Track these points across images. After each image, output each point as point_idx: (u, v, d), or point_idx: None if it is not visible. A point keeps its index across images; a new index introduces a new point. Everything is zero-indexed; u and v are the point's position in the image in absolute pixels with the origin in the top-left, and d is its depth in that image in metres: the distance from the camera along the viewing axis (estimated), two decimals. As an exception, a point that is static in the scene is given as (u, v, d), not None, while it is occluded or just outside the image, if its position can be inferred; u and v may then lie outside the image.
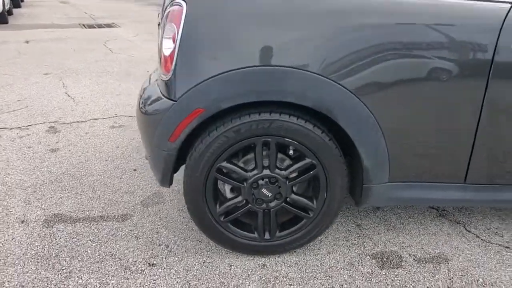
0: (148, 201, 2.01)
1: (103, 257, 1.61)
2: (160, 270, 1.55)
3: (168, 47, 1.37)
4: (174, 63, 1.34)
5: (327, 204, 1.51)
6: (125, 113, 3.24)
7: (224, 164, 1.43)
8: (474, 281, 1.51)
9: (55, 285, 1.46)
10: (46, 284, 1.46)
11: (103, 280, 1.49)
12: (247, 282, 1.49)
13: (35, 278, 1.49)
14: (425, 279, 1.51)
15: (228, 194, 1.57)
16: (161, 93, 1.43)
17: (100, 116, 3.16)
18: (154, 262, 1.59)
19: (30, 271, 1.52)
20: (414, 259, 1.62)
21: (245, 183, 1.47)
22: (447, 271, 1.56)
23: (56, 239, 1.71)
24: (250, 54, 1.30)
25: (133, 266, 1.56)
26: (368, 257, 1.63)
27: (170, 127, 1.39)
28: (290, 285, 1.48)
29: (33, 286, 1.45)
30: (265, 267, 1.57)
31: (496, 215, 1.93)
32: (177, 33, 1.33)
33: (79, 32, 7.35)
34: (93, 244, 1.68)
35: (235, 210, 1.53)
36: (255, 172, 1.46)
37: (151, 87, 1.56)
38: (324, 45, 1.29)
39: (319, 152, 1.41)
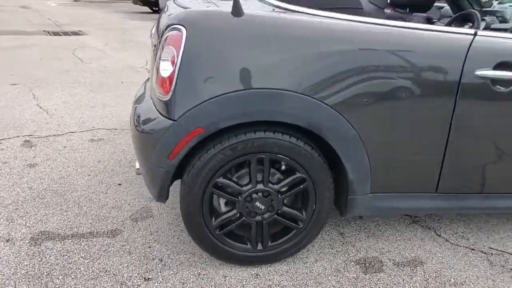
0: (137, 215, 2.03)
1: (97, 273, 1.62)
2: (156, 284, 1.58)
3: (166, 68, 1.43)
4: (174, 84, 1.41)
5: (316, 215, 1.62)
6: (103, 126, 3.21)
7: (221, 179, 1.51)
8: (447, 281, 1.67)
9: (51, 304, 1.46)
10: (41, 304, 1.46)
11: (100, 297, 1.50)
12: (242, 292, 1.56)
13: (29, 297, 1.48)
14: (405, 281, 1.66)
15: (223, 208, 1.64)
16: (159, 112, 1.49)
17: (77, 129, 3.11)
18: (150, 276, 1.62)
19: (23, 291, 1.51)
20: (393, 263, 1.76)
21: (239, 197, 1.55)
22: (423, 273, 1.71)
23: (46, 257, 1.70)
24: (243, 78, 1.40)
25: (129, 281, 1.59)
26: (352, 263, 1.76)
27: (169, 146, 1.44)
28: (283, 292, 1.57)
29: (28, 306, 1.44)
30: (259, 276, 1.65)
31: (462, 220, 2.12)
32: (177, 57, 1.40)
33: (44, 39, 7.10)
34: (86, 261, 1.69)
35: (229, 223, 1.60)
36: (249, 186, 1.54)
37: (145, 104, 1.61)
38: (306, 69, 1.41)
39: (309, 167, 1.52)
